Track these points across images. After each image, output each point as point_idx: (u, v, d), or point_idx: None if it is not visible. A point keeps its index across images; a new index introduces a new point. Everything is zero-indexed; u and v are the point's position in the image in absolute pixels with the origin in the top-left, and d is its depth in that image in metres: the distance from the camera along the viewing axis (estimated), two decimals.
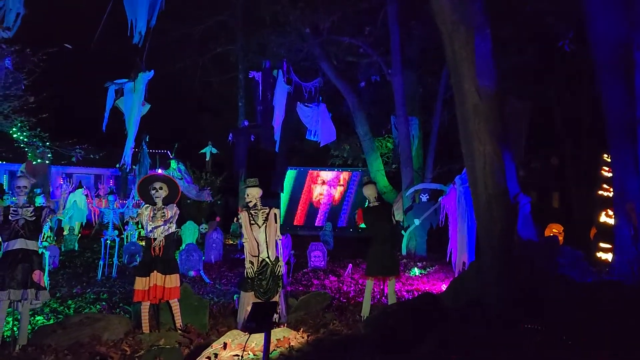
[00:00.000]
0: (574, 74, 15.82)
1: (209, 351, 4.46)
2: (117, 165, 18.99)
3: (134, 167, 14.95)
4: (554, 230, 12.89)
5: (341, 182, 21.36)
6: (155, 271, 5.63)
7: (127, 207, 12.76)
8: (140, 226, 13.66)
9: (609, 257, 8.84)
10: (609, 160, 9.84)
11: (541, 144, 18.44)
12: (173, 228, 5.89)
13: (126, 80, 10.76)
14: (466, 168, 5.33)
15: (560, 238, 12.31)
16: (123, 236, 13.12)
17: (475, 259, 7.89)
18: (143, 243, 9.99)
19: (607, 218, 10.04)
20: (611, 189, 9.20)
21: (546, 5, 11.34)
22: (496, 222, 4.80)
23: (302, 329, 5.38)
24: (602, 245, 9.62)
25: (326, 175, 21.56)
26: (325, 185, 21.43)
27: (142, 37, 7.41)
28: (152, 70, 10.25)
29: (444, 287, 8.47)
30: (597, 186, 11.18)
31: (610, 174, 9.70)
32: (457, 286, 6.12)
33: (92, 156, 17.57)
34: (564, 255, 7.31)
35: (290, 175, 20.85)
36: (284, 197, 20.56)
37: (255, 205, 5.91)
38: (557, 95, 17.71)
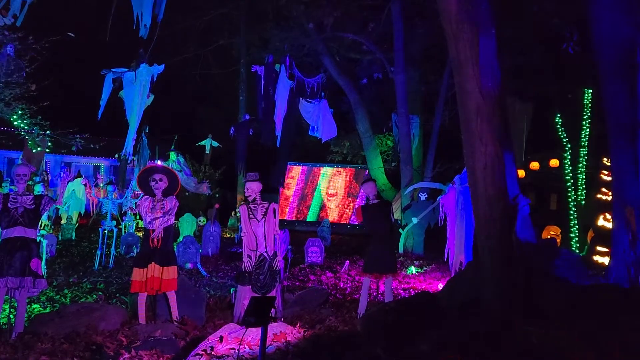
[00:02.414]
0: (576, 76, 15.81)
1: (205, 344, 4.47)
2: (116, 156, 18.99)
3: (133, 157, 14.93)
4: (551, 232, 12.90)
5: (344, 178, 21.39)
6: (153, 263, 5.63)
7: (126, 197, 12.75)
8: (138, 217, 13.66)
9: (605, 260, 8.85)
10: (608, 163, 9.84)
11: (541, 146, 18.43)
12: (172, 220, 5.89)
13: (126, 69, 10.67)
14: (466, 168, 5.31)
15: (558, 240, 12.33)
16: (121, 227, 13.13)
17: (472, 259, 7.90)
18: (141, 234, 10.00)
19: (604, 222, 10.06)
20: (610, 193, 9.21)
21: (551, 7, 11.32)
22: (495, 222, 4.80)
23: (298, 324, 5.40)
24: (599, 248, 9.64)
25: (326, 171, 21.56)
26: (327, 181, 21.45)
27: (148, 29, 7.39)
28: (163, 65, 10.19)
29: (440, 286, 8.49)
30: (596, 189, 11.20)
31: (609, 178, 9.71)
32: (453, 285, 6.13)
33: (92, 146, 17.53)
34: (561, 258, 7.32)
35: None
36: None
37: (254, 199, 5.91)
38: (559, 97, 17.69)
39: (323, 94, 14.28)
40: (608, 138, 7.37)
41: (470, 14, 4.96)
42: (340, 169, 21.47)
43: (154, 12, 7.56)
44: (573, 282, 6.01)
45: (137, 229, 13.62)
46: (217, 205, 15.89)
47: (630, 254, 6.43)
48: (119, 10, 7.60)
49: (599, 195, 10.76)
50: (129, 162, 17.69)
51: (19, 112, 14.72)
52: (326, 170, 21.36)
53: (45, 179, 17.07)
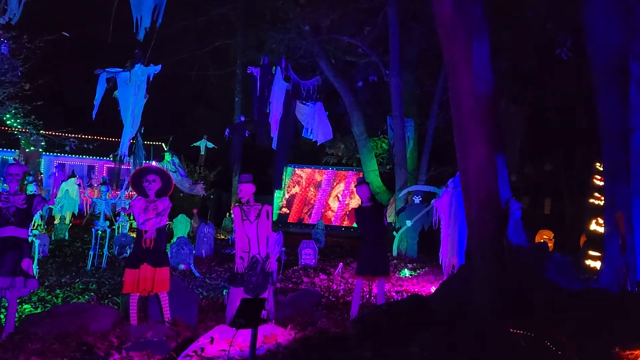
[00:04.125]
0: (570, 81, 15.92)
1: (196, 345, 4.47)
2: (110, 156, 18.95)
3: (128, 158, 14.90)
4: (544, 236, 12.97)
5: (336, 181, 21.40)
6: (145, 263, 5.61)
7: (120, 198, 12.71)
8: (132, 218, 13.61)
9: (597, 265, 8.90)
10: (601, 169, 9.89)
11: (535, 150, 18.53)
12: (165, 221, 5.88)
13: (120, 69, 10.62)
14: (459, 171, 5.34)
15: (551, 244, 12.39)
16: (114, 227, 13.08)
17: (465, 262, 7.93)
18: (134, 235, 9.97)
19: (597, 226, 10.12)
20: (602, 198, 9.26)
21: (546, 12, 11.39)
22: (487, 226, 4.82)
23: (289, 326, 5.39)
24: (591, 253, 9.70)
25: (320, 173, 21.57)
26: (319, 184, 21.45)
27: (146, 32, 7.42)
28: (160, 65, 10.17)
29: (433, 289, 8.50)
30: (589, 194, 11.26)
31: (602, 183, 9.77)
32: (445, 288, 6.15)
33: (85, 146, 17.48)
34: (553, 262, 7.35)
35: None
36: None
37: (248, 201, 5.90)
38: (553, 101, 17.81)
39: (318, 96, 14.31)
40: (601, 143, 7.42)
41: (464, 19, 4.99)
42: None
43: (153, 16, 7.59)
44: (564, 286, 6.05)
45: (131, 229, 13.58)
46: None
47: (620, 259, 6.47)
48: (116, 11, 7.62)
49: (591, 200, 10.82)
50: (124, 162, 17.67)
51: (12, 111, 14.67)
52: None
53: (39, 178, 17.00)
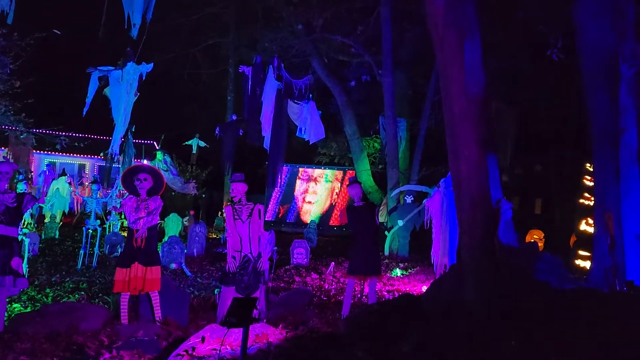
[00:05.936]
0: (561, 82, 16.02)
1: (187, 344, 4.45)
2: (101, 154, 18.83)
3: (119, 156, 14.82)
4: (535, 236, 13.06)
5: (329, 180, 21.40)
6: (136, 262, 5.59)
7: (111, 196, 12.64)
8: (123, 216, 13.54)
9: (587, 264, 8.98)
10: (591, 169, 9.98)
11: (526, 151, 18.65)
12: (156, 220, 5.85)
13: (112, 68, 10.55)
14: (451, 171, 5.36)
15: (541, 244, 12.48)
16: (105, 226, 13.01)
17: (456, 261, 7.96)
18: (125, 233, 9.93)
19: (586, 226, 10.21)
20: (592, 198, 9.34)
21: (537, 13, 11.45)
22: (478, 226, 4.84)
23: (281, 325, 5.39)
24: (581, 252, 9.78)
25: (312, 172, 21.56)
26: (311, 183, 21.44)
27: (137, 29, 7.38)
28: (152, 64, 10.12)
29: (424, 288, 8.53)
30: (579, 194, 11.35)
31: (592, 183, 9.85)
32: (436, 288, 6.16)
33: (76, 144, 17.34)
34: (543, 261, 7.40)
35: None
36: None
37: (240, 200, 5.89)
38: (544, 102, 17.91)
39: (311, 95, 14.29)
40: (591, 144, 7.48)
41: (456, 19, 5.00)
42: None
43: (144, 13, 7.54)
44: (554, 286, 6.08)
45: (122, 228, 13.51)
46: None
47: (609, 259, 6.53)
48: (107, 8, 7.57)
49: (581, 200, 10.91)
50: (114, 160, 17.56)
51: (2, 109, 14.53)
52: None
53: (29, 176, 16.87)
